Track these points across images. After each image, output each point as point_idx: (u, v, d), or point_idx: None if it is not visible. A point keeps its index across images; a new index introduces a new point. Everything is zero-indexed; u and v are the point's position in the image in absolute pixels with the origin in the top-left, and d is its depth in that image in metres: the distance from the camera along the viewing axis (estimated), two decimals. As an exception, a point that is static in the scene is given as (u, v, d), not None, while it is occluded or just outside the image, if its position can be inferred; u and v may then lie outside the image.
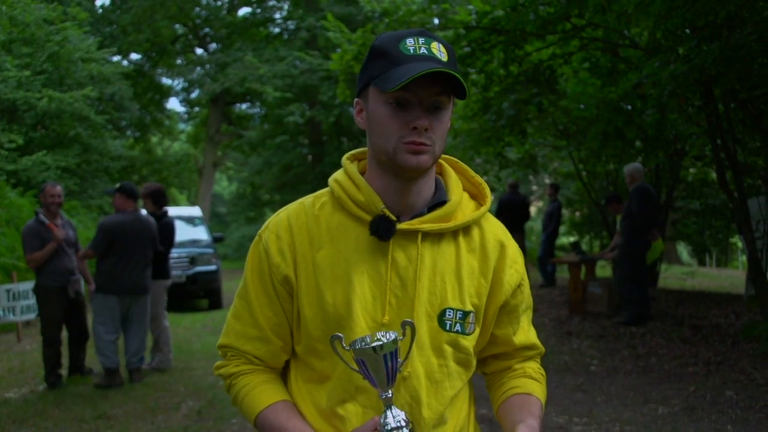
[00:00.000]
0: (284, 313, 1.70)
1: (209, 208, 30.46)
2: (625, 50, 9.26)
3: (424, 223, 1.63)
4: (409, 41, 1.57)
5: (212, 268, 13.32)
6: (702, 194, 13.35)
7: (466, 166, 1.81)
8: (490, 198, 1.76)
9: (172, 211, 10.28)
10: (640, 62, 8.48)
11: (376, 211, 1.62)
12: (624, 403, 6.06)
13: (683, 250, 25.02)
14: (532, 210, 27.74)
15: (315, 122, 25.71)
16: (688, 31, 7.32)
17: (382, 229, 1.60)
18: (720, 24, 6.61)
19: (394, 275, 1.62)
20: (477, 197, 1.78)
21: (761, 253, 8.27)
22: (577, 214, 20.76)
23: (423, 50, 1.55)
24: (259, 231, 1.74)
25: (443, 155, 1.79)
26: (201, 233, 14.54)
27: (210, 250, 13.73)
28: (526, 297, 1.81)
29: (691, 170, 13.82)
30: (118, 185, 7.48)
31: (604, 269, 15.03)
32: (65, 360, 7.37)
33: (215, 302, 13.52)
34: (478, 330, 1.71)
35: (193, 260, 12.93)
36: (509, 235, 1.79)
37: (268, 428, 1.66)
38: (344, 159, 1.76)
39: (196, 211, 16.26)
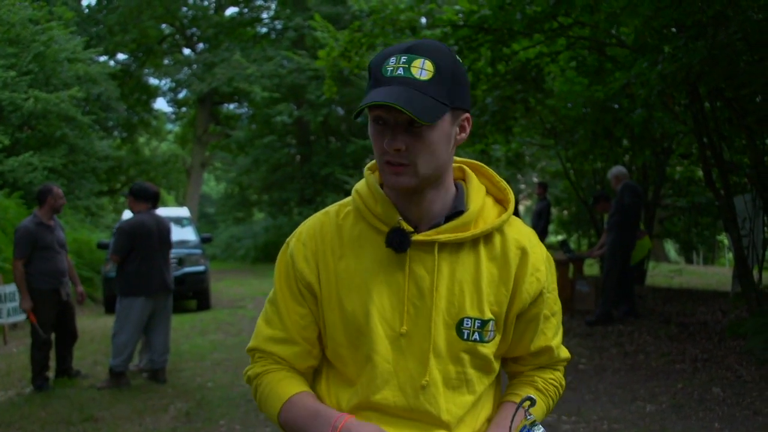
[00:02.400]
0: (312, 317, 1.74)
1: (197, 208, 30.40)
2: (612, 49, 9.28)
3: (441, 234, 1.64)
4: (391, 60, 1.55)
5: (200, 268, 13.26)
6: (689, 192, 13.42)
7: (491, 171, 1.80)
8: (513, 203, 1.75)
9: (160, 211, 10.23)
10: (627, 61, 8.50)
11: (393, 222, 1.64)
12: (612, 401, 6.07)
13: (670, 248, 25.13)
14: (521, 209, 27.83)
15: (303, 122, 25.68)
16: (674, 30, 7.35)
17: (396, 242, 1.62)
18: (706, 23, 6.64)
19: (412, 285, 1.64)
20: (502, 202, 1.77)
21: (747, 251, 8.32)
22: (565, 212, 20.84)
23: (399, 71, 1.54)
24: (288, 238, 1.79)
25: (467, 160, 1.80)
26: (189, 234, 14.48)
27: (198, 251, 13.68)
28: (550, 303, 1.78)
29: (678, 168, 13.88)
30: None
31: (591, 267, 15.07)
32: (52, 362, 7.32)
33: (203, 303, 13.48)
34: (498, 336, 1.72)
35: (181, 261, 12.87)
36: (535, 241, 1.76)
37: (295, 412, 1.68)
38: (366, 169, 1.78)
39: (184, 211, 16.19)
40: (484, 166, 1.81)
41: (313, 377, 1.82)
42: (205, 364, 8.14)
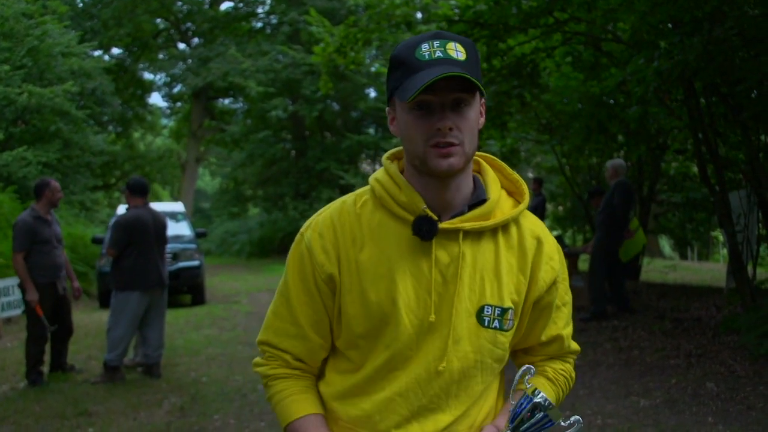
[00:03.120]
0: (325, 310, 1.73)
1: (192, 203, 30.35)
2: (608, 44, 9.29)
3: (465, 222, 1.66)
4: (424, 47, 1.59)
5: (195, 263, 13.25)
6: (684, 188, 13.43)
7: (503, 164, 1.83)
8: (527, 195, 1.78)
9: (154, 206, 10.21)
10: (623, 57, 8.51)
11: (418, 211, 1.64)
12: (606, 396, 6.08)
13: (665, 244, 25.16)
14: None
15: (298, 117, 25.63)
16: (670, 25, 7.35)
17: (424, 230, 1.62)
18: (702, 18, 6.64)
19: (437, 273, 1.65)
20: (514, 194, 1.80)
21: (742, 247, 8.33)
22: (560, 208, 20.84)
23: (438, 54, 1.58)
24: (301, 230, 1.77)
25: (481, 153, 1.83)
26: (184, 229, 14.47)
27: (193, 246, 13.67)
28: (561, 293, 1.82)
29: (673, 164, 13.89)
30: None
31: (586, 263, 15.07)
32: (47, 357, 7.31)
33: (198, 298, 13.46)
34: (516, 325, 1.74)
35: (175, 256, 12.85)
36: (547, 231, 1.81)
37: None
38: (384, 158, 1.78)
39: (178, 206, 16.17)
40: (497, 159, 1.84)
41: None
42: (199, 358, 8.13)
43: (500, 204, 1.73)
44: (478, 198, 1.71)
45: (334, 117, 26.70)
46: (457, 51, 1.59)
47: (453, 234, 1.65)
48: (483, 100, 1.70)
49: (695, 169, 11.81)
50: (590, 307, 9.60)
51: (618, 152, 12.43)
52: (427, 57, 1.58)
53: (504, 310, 1.69)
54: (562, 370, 1.89)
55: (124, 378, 7.09)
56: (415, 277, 1.65)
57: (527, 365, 1.63)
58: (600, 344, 8.07)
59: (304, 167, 25.84)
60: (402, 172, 1.73)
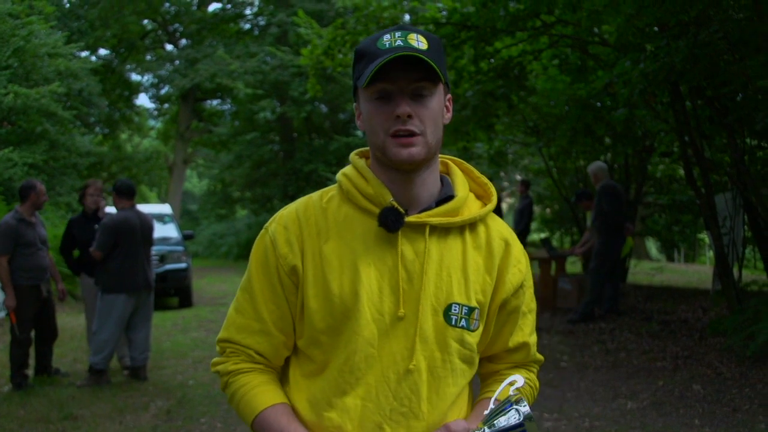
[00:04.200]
0: (288, 306, 1.69)
1: (180, 205, 30.24)
2: (595, 47, 9.32)
3: (432, 217, 1.64)
4: (386, 37, 1.60)
5: (182, 266, 13.20)
6: (670, 190, 13.49)
7: (471, 167, 1.82)
8: (495, 197, 1.77)
9: (142, 208, 10.18)
10: (610, 60, 8.54)
11: (384, 203, 1.63)
12: (593, 399, 6.10)
13: (652, 246, 25.27)
14: (504, 206, 27.89)
15: (286, 118, 25.60)
16: (656, 29, 7.38)
17: (390, 221, 1.60)
18: (688, 22, 6.67)
19: (402, 268, 1.62)
20: (482, 197, 1.79)
21: (728, 249, 8.37)
22: (548, 210, 20.90)
23: (399, 42, 1.58)
24: (266, 224, 1.75)
25: (450, 157, 1.83)
26: (171, 231, 14.41)
27: (180, 248, 13.62)
28: (527, 299, 1.80)
29: (660, 166, 13.96)
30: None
31: (574, 265, 15.13)
32: (32, 360, 7.26)
33: (185, 300, 13.42)
34: (482, 327, 1.71)
35: (162, 258, 12.81)
36: (515, 236, 1.79)
37: (266, 429, 1.65)
38: (352, 155, 1.77)
39: (166, 208, 16.10)
40: (465, 162, 1.83)
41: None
42: (186, 361, 8.09)
43: (468, 204, 1.72)
44: (446, 194, 1.70)
45: (322, 119, 26.67)
46: (418, 41, 1.59)
47: (419, 228, 1.63)
48: (449, 96, 1.70)
49: (681, 171, 11.86)
50: (578, 309, 9.62)
51: (605, 154, 12.48)
52: (387, 45, 1.58)
53: (471, 309, 1.66)
54: (527, 379, 1.84)
55: (109, 381, 7.05)
56: (380, 270, 1.62)
57: (514, 376, 1.61)
58: (587, 346, 8.09)
59: (292, 169, 25.80)
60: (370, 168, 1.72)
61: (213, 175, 31.36)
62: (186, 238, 14.63)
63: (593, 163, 10.15)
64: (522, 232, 14.11)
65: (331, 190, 1.74)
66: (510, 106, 10.68)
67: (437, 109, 1.62)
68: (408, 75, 1.56)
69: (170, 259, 13.04)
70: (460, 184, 1.74)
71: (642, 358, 7.45)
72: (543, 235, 18.49)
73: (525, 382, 1.80)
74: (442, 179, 1.74)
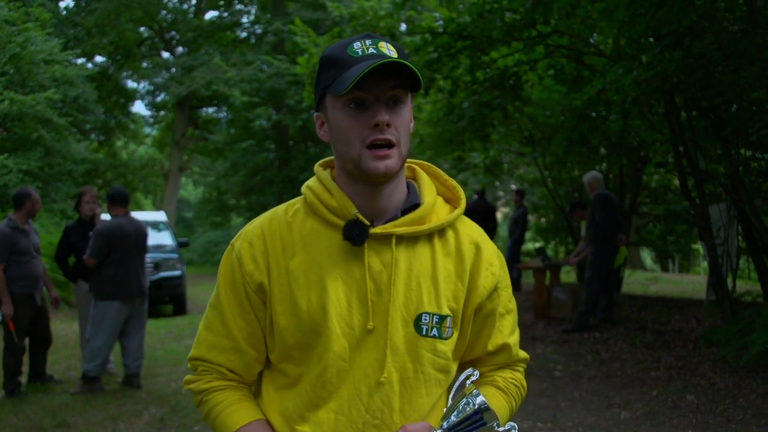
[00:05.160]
0: (258, 322, 1.67)
1: (175, 212, 30.20)
2: (590, 57, 9.35)
3: (398, 227, 1.62)
4: (356, 44, 1.58)
5: (177, 273, 13.20)
6: (665, 200, 13.52)
7: (439, 170, 1.79)
8: (464, 200, 1.74)
9: (137, 215, 10.17)
10: (605, 69, 8.56)
11: (349, 215, 1.61)
12: (587, 408, 6.10)
13: (646, 256, 25.31)
14: (498, 216, 27.90)
15: (282, 126, 25.59)
16: (651, 39, 7.41)
17: (355, 234, 1.58)
18: (682, 33, 6.71)
19: (369, 280, 1.60)
20: (451, 201, 1.76)
21: (722, 259, 8.39)
22: (543, 220, 20.91)
23: (371, 50, 1.56)
24: (232, 241, 1.73)
25: (417, 161, 1.80)
26: (166, 238, 14.40)
27: (175, 256, 13.61)
28: (504, 300, 1.78)
29: (655, 177, 13.99)
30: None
31: (568, 275, 15.14)
32: (25, 367, 7.23)
33: (179, 308, 13.41)
34: (456, 334, 1.69)
35: (157, 265, 12.80)
36: (486, 237, 1.77)
37: None
38: (316, 167, 1.74)
39: (161, 215, 16.10)
40: (433, 166, 1.81)
41: None
42: (180, 369, 8.07)
43: (436, 209, 1.70)
44: (412, 202, 1.68)
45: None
46: (389, 50, 1.57)
47: (385, 239, 1.61)
48: (414, 104, 1.68)
49: (676, 181, 11.89)
50: (573, 318, 9.63)
51: (600, 164, 12.51)
52: (360, 53, 1.55)
53: (442, 318, 1.64)
54: (512, 378, 1.83)
55: (103, 388, 7.03)
56: (347, 284, 1.60)
57: (470, 368, 1.61)
58: (581, 356, 8.09)
59: (288, 177, 25.77)
60: (334, 180, 1.69)
61: (208, 182, 31.33)
62: (181, 245, 14.62)
63: (588, 172, 10.17)
64: (516, 241, 14.14)
65: (296, 203, 1.72)
66: (506, 115, 10.70)
67: (408, 117, 1.61)
68: (385, 82, 1.54)
69: (165, 266, 13.04)
70: (427, 190, 1.71)
71: (636, 368, 7.45)
72: (538, 245, 18.50)
73: (499, 381, 1.81)
74: (408, 185, 1.71)
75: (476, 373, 1.60)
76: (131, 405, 6.53)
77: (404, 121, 1.59)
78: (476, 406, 1.54)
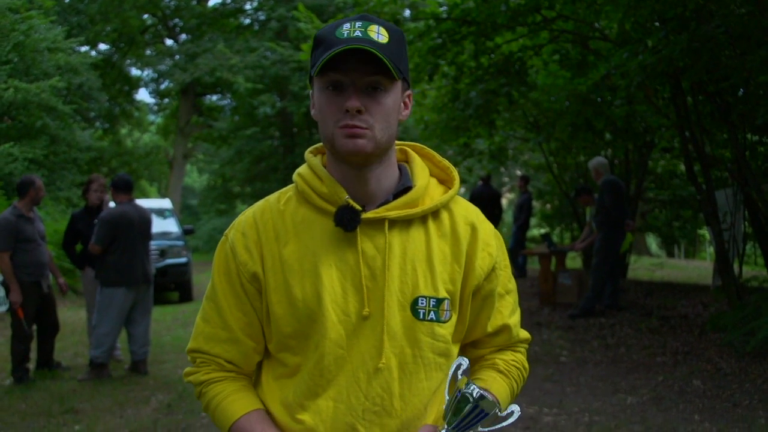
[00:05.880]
0: (254, 312, 1.66)
1: (180, 200, 30.23)
2: (595, 42, 9.31)
3: (390, 211, 1.60)
4: (346, 26, 1.54)
5: (182, 260, 13.23)
6: (670, 186, 13.49)
7: (432, 151, 1.77)
8: (458, 181, 1.72)
9: (142, 203, 10.18)
10: (610, 54, 8.53)
11: (340, 201, 1.59)
12: (593, 393, 6.10)
13: (652, 242, 25.28)
14: (504, 202, 27.90)
15: (286, 113, 25.57)
16: (657, 23, 7.37)
17: (346, 219, 1.57)
18: (688, 16, 6.67)
19: (364, 266, 1.59)
20: (445, 182, 1.74)
21: (728, 245, 8.38)
22: (548, 206, 20.89)
23: (357, 33, 1.52)
24: (225, 231, 1.72)
25: (408, 142, 1.78)
26: (171, 226, 14.42)
27: (180, 243, 13.64)
28: (503, 280, 1.75)
29: (660, 162, 13.96)
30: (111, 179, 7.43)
31: (574, 260, 15.14)
32: (33, 354, 7.27)
33: (185, 295, 13.45)
34: (455, 317, 1.67)
35: (163, 253, 12.82)
36: (482, 217, 1.74)
37: None
38: (307, 153, 1.73)
39: (166, 203, 16.12)
40: (426, 147, 1.78)
41: None
42: (186, 356, 8.09)
43: (429, 191, 1.68)
44: (404, 185, 1.66)
45: (322, 114, 26.59)
46: (378, 34, 1.54)
47: (378, 224, 1.60)
48: (409, 92, 1.65)
49: (682, 167, 11.87)
50: (579, 303, 9.63)
51: (605, 150, 12.48)
52: (345, 35, 1.52)
53: (439, 301, 1.62)
54: (513, 360, 1.81)
55: (110, 375, 7.06)
56: (341, 270, 1.59)
57: (459, 358, 1.59)
58: (587, 341, 8.09)
59: (292, 164, 25.74)
60: (325, 166, 1.68)
61: (213, 170, 31.32)
62: (186, 232, 14.65)
63: (594, 158, 10.14)
64: (521, 227, 14.13)
65: (288, 191, 1.71)
66: (510, 101, 10.68)
67: (391, 105, 1.57)
68: (362, 67, 1.51)
69: (170, 253, 13.06)
70: (420, 172, 1.69)
71: (642, 353, 7.45)
72: (543, 231, 18.49)
73: (500, 364, 1.78)
74: (400, 168, 1.70)
75: (465, 361, 1.57)
76: (138, 391, 6.56)
77: (382, 109, 1.55)
78: (472, 399, 1.52)
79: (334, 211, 1.59)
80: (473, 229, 1.69)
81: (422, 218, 1.65)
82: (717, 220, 7.90)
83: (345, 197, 1.59)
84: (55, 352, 7.50)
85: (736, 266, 8.68)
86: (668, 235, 18.11)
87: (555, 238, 18.49)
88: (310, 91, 1.67)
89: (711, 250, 17.08)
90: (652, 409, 5.62)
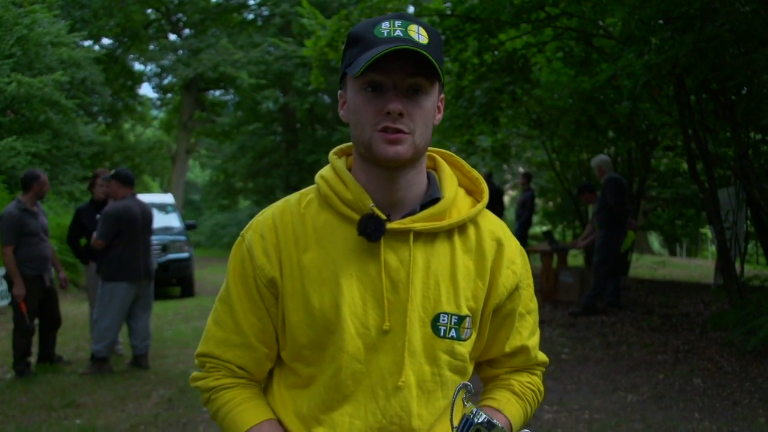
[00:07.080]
0: (269, 318, 1.60)
1: (182, 195, 30.24)
2: (599, 40, 9.29)
3: (416, 222, 1.53)
4: (384, 24, 1.48)
5: (184, 255, 13.25)
6: (673, 184, 13.48)
7: (461, 161, 1.70)
8: (487, 193, 1.66)
9: (144, 198, 10.19)
10: (614, 52, 8.52)
11: (364, 209, 1.52)
12: (594, 391, 6.11)
13: (654, 240, 25.28)
14: (506, 199, 27.89)
15: (289, 109, 25.59)
16: (661, 21, 7.36)
17: (370, 229, 1.50)
18: (693, 15, 6.65)
19: (386, 278, 1.53)
20: (474, 193, 1.67)
21: (730, 243, 8.37)
22: (550, 203, 20.90)
23: (398, 32, 1.46)
24: (242, 231, 1.65)
25: (437, 149, 1.71)
26: (173, 221, 14.44)
27: (182, 238, 13.65)
28: (525, 300, 1.69)
29: (663, 160, 13.94)
30: (113, 172, 7.40)
31: (575, 258, 15.14)
32: (35, 348, 7.28)
33: (187, 290, 13.47)
34: (474, 335, 1.61)
35: (165, 248, 12.84)
36: (509, 233, 1.68)
37: None
38: (331, 155, 1.66)
39: (168, 198, 16.13)
40: (455, 155, 1.72)
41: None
42: (188, 351, 8.11)
43: (457, 203, 1.62)
44: (432, 196, 1.58)
45: (324, 110, 26.64)
46: (419, 34, 1.47)
47: (403, 235, 1.53)
48: (442, 96, 1.58)
49: (685, 165, 11.85)
50: (580, 302, 9.63)
51: (608, 148, 12.47)
52: (385, 34, 1.46)
53: (461, 318, 1.56)
54: (529, 383, 1.75)
55: (111, 369, 7.07)
56: (362, 282, 1.52)
57: (462, 383, 1.50)
58: (588, 339, 8.09)
59: (295, 160, 25.78)
60: (350, 169, 1.61)
61: (215, 165, 31.38)
62: (188, 228, 14.67)
63: (597, 156, 10.13)
64: (523, 225, 14.12)
65: (309, 193, 1.63)
66: (514, 98, 10.67)
67: (430, 108, 1.51)
68: (404, 68, 1.45)
69: (172, 248, 13.08)
70: (448, 182, 1.62)
71: (643, 351, 7.45)
72: (545, 228, 18.48)
73: (515, 386, 1.71)
74: (428, 176, 1.62)
75: (469, 386, 1.50)
76: (140, 386, 6.57)
77: (423, 112, 1.49)
78: (483, 429, 1.45)
79: (357, 219, 1.53)
80: (499, 245, 1.63)
81: (448, 231, 1.59)
82: (719, 219, 7.89)
83: (370, 205, 1.53)
84: (56, 346, 7.51)
85: (737, 265, 8.67)
86: (670, 234, 18.07)
87: (557, 236, 18.48)
88: (340, 91, 1.61)
89: (713, 248, 17.07)
90: (652, 407, 5.62)
